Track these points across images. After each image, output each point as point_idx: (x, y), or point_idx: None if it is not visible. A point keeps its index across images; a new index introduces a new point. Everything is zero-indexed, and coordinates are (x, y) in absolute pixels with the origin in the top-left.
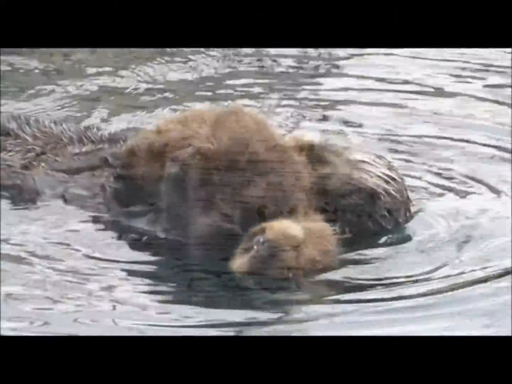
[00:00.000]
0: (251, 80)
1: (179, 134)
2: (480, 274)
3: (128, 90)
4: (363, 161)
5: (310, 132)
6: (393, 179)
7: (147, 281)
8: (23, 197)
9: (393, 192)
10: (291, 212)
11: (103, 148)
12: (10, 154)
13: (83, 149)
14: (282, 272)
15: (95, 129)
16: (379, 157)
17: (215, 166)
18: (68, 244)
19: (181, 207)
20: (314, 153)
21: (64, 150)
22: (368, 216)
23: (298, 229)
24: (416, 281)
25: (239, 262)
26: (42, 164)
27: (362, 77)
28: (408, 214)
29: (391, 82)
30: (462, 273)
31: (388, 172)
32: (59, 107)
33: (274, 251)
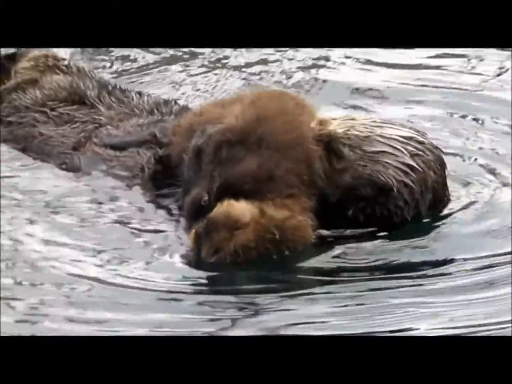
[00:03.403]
0: None
1: (217, 115)
2: None
3: None
4: (382, 152)
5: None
6: (413, 169)
7: None
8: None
9: (410, 183)
10: (270, 194)
11: (164, 120)
12: (74, 126)
13: (145, 121)
14: (209, 252)
15: (172, 103)
16: (406, 140)
17: (227, 140)
18: None
19: (193, 181)
20: (331, 145)
21: (128, 122)
22: (381, 206)
23: (244, 212)
24: None
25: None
26: (94, 139)
27: None
28: (438, 204)
29: None
30: None
31: (409, 162)
32: None
33: (208, 229)
